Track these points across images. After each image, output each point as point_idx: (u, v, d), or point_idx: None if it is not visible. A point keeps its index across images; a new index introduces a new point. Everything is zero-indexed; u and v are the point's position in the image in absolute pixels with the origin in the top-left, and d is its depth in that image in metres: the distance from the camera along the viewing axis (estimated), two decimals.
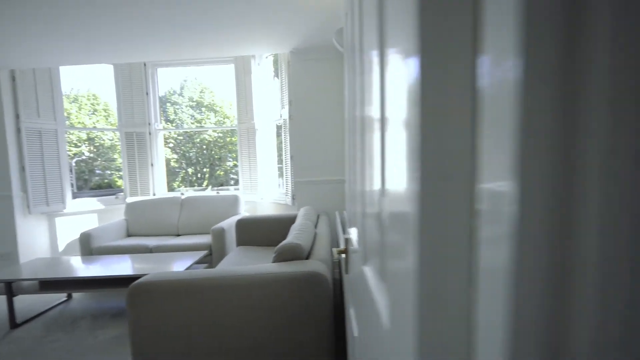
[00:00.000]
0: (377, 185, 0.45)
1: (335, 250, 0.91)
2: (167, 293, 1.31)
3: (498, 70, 0.18)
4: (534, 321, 0.17)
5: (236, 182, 9.22)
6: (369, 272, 0.57)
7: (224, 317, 1.26)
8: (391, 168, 0.36)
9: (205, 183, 12.18)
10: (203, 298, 1.28)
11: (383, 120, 0.40)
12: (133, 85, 3.82)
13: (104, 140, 11.03)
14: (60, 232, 3.53)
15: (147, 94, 3.83)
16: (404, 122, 0.28)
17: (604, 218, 0.15)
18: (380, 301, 0.44)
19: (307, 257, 1.55)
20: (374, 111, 0.47)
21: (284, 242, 1.51)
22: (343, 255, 0.91)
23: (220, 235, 2.85)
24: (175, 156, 11.96)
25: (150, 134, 3.89)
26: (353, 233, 0.80)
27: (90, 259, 2.65)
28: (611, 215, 0.15)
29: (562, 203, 0.15)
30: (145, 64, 3.80)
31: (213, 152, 12.16)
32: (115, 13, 2.14)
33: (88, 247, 2.89)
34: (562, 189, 0.15)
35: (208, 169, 12.30)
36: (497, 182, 0.19)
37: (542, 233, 0.16)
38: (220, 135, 11.98)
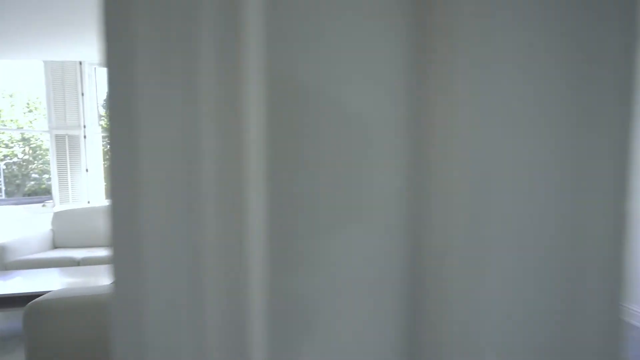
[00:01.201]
0: None
1: None
2: (68, 313, 1.21)
3: None
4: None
5: None
6: None
7: None
8: None
9: None
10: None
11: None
12: (66, 85, 3.53)
13: (41, 141, 10.04)
14: None
15: (82, 94, 3.57)
16: None
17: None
18: None
19: None
20: None
21: None
22: None
23: None
24: None
25: (85, 137, 3.62)
26: None
27: (1, 274, 2.38)
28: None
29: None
30: (81, 63, 3.54)
31: None
32: (37, 5, 1.99)
33: (1, 261, 2.59)
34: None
35: None
36: None
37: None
38: None
